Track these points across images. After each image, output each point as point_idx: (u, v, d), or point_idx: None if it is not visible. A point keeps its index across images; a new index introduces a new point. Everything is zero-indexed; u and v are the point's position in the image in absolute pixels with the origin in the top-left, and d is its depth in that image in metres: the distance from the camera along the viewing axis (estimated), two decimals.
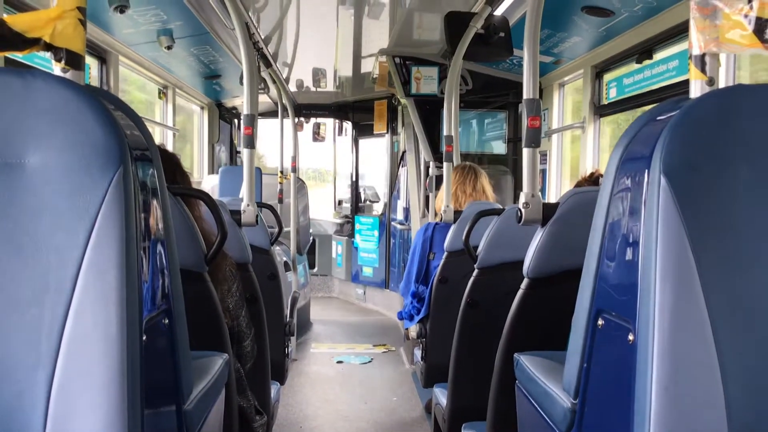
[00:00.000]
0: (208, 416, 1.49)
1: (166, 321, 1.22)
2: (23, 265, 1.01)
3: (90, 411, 1.00)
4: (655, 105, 1.24)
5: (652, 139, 1.09)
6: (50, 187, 1.02)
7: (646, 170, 1.07)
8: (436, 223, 3.76)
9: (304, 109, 8.18)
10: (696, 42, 1.20)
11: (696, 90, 1.19)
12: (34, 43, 1.13)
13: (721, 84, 1.22)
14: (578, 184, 2.73)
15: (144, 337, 1.08)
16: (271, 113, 6.81)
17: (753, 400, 1.00)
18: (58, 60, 1.16)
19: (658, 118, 1.17)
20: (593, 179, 2.86)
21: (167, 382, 1.26)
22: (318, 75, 6.83)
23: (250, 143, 2.81)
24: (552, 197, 4.91)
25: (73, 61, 1.16)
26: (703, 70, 1.20)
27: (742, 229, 1.03)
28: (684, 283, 1.01)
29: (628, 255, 1.12)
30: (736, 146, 1.05)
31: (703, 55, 1.19)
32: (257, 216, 2.82)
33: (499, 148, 5.95)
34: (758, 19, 1.14)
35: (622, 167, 1.19)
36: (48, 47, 1.14)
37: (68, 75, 1.16)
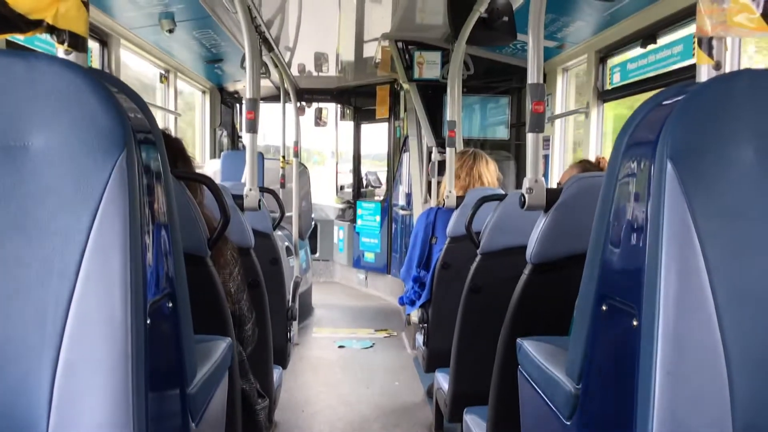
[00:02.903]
0: (212, 399, 1.50)
1: (170, 304, 1.22)
2: (28, 248, 1.01)
3: (94, 394, 1.00)
4: (660, 90, 1.23)
5: (658, 123, 1.08)
6: (54, 170, 1.01)
7: (652, 155, 1.07)
8: (438, 208, 3.76)
9: (306, 93, 8.15)
10: (703, 25, 1.19)
11: (703, 74, 1.19)
12: (36, 24, 1.12)
13: (727, 68, 1.21)
14: (585, 168, 2.72)
15: (148, 321, 1.08)
16: (273, 98, 6.79)
17: (757, 385, 1.00)
18: (61, 42, 1.15)
19: (664, 102, 1.16)
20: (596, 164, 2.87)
21: (171, 365, 1.26)
22: (320, 59, 6.79)
23: (253, 128, 2.80)
24: (555, 183, 4.90)
25: (76, 43, 1.16)
26: (710, 54, 1.19)
27: (749, 214, 1.03)
28: (689, 268, 1.00)
29: (633, 240, 1.12)
30: (744, 131, 1.05)
31: (710, 39, 1.18)
32: (259, 201, 2.82)
33: (502, 133, 5.93)
34: (767, 3, 1.13)
35: (628, 152, 1.19)
36: (51, 29, 1.13)
37: (71, 57, 1.15)
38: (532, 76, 2.08)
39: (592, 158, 3.63)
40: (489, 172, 3.71)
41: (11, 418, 1.00)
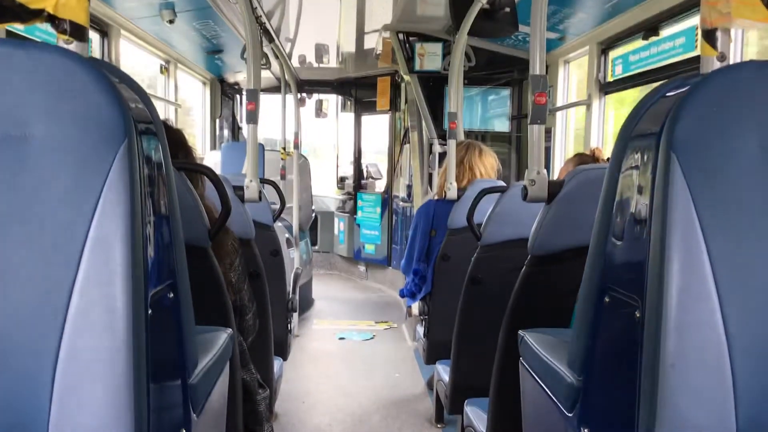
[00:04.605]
0: (213, 390, 1.50)
1: (171, 295, 1.22)
2: (28, 240, 1.00)
3: (96, 385, 1.00)
4: (664, 81, 1.23)
5: (662, 115, 1.08)
6: (55, 161, 1.01)
7: (656, 147, 1.06)
8: (438, 200, 3.74)
9: (307, 85, 8.14)
10: (707, 17, 1.18)
11: (707, 66, 1.18)
12: (36, 14, 1.12)
13: (731, 60, 1.20)
14: (581, 161, 2.71)
15: (149, 311, 1.07)
16: (274, 89, 6.78)
17: (761, 377, 1.00)
18: (62, 32, 1.14)
19: (668, 94, 1.16)
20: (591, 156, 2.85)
21: (172, 356, 1.26)
22: (321, 51, 6.78)
23: (253, 119, 2.80)
24: (556, 175, 4.89)
25: (77, 32, 1.15)
26: (714, 46, 1.18)
27: (753, 206, 1.02)
28: (693, 260, 1.00)
29: (637, 232, 1.11)
30: (749, 123, 1.04)
31: (714, 30, 1.18)
32: (260, 192, 2.81)
33: (503, 125, 5.92)
34: None
35: (631, 144, 1.18)
36: (51, 18, 1.13)
37: (72, 47, 1.14)
38: (534, 68, 2.07)
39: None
40: (483, 163, 3.66)
41: (13, 408, 1.00)
